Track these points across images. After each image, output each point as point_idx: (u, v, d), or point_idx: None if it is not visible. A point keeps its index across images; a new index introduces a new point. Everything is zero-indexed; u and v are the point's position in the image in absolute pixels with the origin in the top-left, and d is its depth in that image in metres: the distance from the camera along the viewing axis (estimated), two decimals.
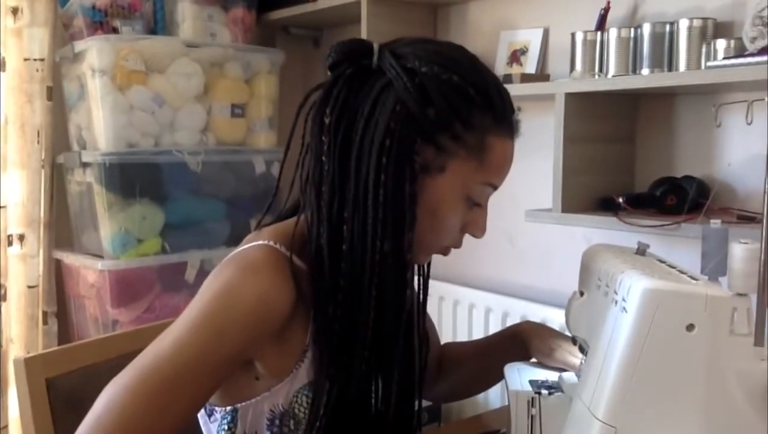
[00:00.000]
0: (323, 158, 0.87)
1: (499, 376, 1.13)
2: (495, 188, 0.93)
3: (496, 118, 0.89)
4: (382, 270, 0.86)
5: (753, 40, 1.37)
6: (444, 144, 0.87)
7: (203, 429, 1.01)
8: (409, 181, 0.86)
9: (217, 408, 0.96)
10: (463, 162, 0.89)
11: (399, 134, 0.85)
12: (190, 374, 0.83)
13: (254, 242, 0.91)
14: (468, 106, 0.87)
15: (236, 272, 0.86)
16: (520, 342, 1.16)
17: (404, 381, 0.97)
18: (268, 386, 0.91)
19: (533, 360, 1.14)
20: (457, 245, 0.96)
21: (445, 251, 0.96)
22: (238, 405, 0.93)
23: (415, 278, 1.03)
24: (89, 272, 2.16)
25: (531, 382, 1.03)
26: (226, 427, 0.94)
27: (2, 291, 2.16)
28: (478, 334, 1.97)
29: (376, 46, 0.89)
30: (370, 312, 0.87)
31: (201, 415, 0.99)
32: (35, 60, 2.18)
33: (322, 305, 0.88)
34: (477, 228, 0.94)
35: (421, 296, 1.04)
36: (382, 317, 0.88)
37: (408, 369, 1.00)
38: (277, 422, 0.93)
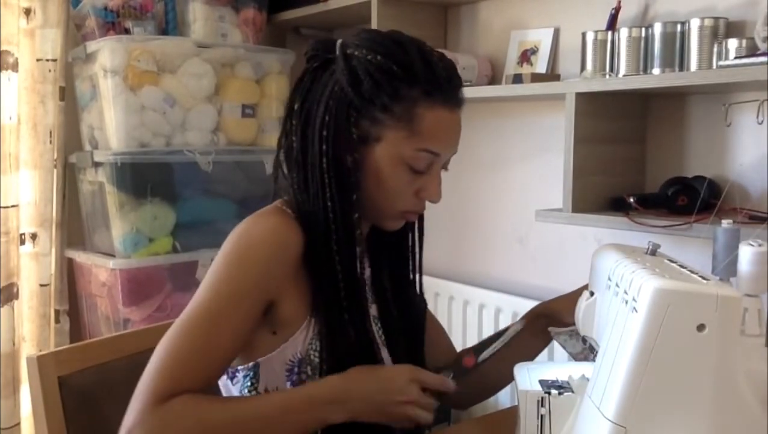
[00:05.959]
0: (292, 137, 1.04)
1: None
2: (435, 154, 1.02)
3: (425, 90, 1.00)
4: (337, 225, 1.01)
5: (765, 39, 1.36)
6: (376, 116, 1.00)
7: (226, 394, 1.06)
8: (348, 149, 1.00)
9: (239, 368, 1.03)
10: (394, 131, 1.00)
11: (335, 110, 1.00)
12: (230, 306, 0.96)
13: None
14: (392, 81, 0.99)
15: (249, 222, 1.02)
16: (544, 324, 1.18)
17: (409, 341, 1.13)
18: (285, 337, 1.01)
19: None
20: (417, 208, 1.07)
21: (407, 216, 1.08)
22: (260, 359, 1.03)
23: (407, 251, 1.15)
24: (101, 271, 2.18)
25: (541, 382, 1.03)
26: (249, 384, 1.03)
27: (15, 290, 2.17)
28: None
29: (338, 42, 1.03)
30: (335, 265, 1.01)
31: (223, 381, 1.06)
32: (48, 60, 2.20)
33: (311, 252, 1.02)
34: (428, 193, 1.05)
35: (417, 270, 1.16)
36: (344, 267, 1.02)
37: (411, 327, 1.14)
38: (295, 370, 1.02)
